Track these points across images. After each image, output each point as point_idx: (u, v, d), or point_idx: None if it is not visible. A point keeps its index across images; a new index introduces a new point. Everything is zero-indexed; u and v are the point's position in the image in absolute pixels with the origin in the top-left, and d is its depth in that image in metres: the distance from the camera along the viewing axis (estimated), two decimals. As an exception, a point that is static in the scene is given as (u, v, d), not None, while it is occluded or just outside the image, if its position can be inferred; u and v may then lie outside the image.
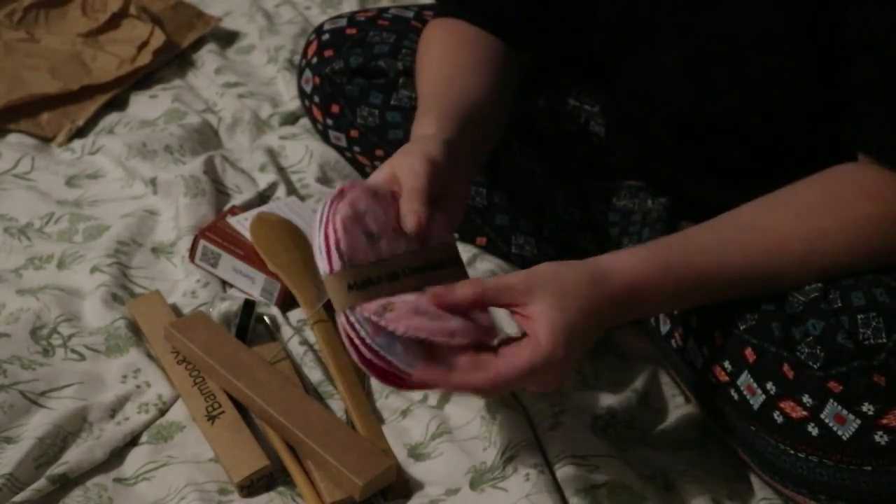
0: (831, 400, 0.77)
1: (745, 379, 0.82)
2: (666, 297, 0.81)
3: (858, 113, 0.81)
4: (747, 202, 0.83)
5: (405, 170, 0.79)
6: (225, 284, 1.11)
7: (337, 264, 0.75)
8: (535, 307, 0.74)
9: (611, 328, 1.06)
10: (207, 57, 1.51)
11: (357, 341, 0.74)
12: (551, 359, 0.73)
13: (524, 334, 0.75)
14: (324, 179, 1.24)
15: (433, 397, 0.98)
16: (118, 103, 1.40)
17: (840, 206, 0.80)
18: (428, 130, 0.86)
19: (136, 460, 0.91)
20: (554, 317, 0.73)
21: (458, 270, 0.82)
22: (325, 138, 1.25)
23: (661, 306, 0.88)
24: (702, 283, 0.80)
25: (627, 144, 1.06)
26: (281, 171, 1.26)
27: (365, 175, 1.25)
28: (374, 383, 1.00)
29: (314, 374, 1.00)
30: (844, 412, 0.77)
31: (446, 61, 0.97)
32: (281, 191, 1.22)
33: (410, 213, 0.77)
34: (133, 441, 0.93)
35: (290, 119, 1.37)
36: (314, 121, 1.24)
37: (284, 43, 1.52)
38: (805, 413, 0.78)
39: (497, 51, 0.99)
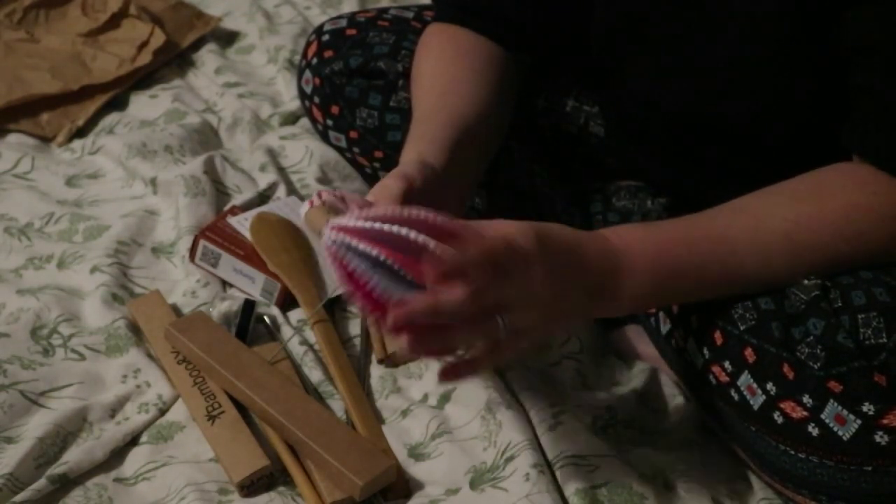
0: (832, 400, 0.77)
1: (745, 379, 0.82)
2: (649, 258, 0.80)
3: (856, 117, 0.81)
4: None
5: (377, 186, 0.79)
6: (225, 284, 1.11)
7: (316, 202, 0.76)
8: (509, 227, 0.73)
9: (611, 325, 1.06)
10: (207, 57, 1.51)
11: (337, 251, 0.73)
12: (525, 240, 0.71)
13: None
14: (324, 179, 1.24)
15: (433, 397, 0.98)
16: (118, 103, 1.40)
17: (826, 194, 0.80)
18: (414, 157, 0.85)
19: (136, 460, 0.91)
20: (524, 224, 0.73)
21: None
22: (325, 139, 1.25)
23: (647, 275, 0.81)
24: (686, 247, 0.80)
25: (626, 145, 1.06)
26: (281, 171, 1.26)
27: (364, 175, 1.25)
28: (375, 383, 1.00)
29: (314, 374, 1.00)
30: (845, 412, 0.77)
31: (442, 74, 0.97)
32: (281, 191, 1.22)
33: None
34: (133, 441, 0.93)
35: (290, 119, 1.37)
36: (314, 121, 1.24)
37: (284, 43, 1.52)
38: (805, 413, 0.78)
39: (496, 57, 0.99)
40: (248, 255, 1.09)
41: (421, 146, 0.87)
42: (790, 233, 0.80)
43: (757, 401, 0.81)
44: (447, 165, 0.86)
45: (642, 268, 0.80)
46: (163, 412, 0.96)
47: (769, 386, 0.80)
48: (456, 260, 0.69)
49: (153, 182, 1.23)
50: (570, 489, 0.86)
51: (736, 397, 0.83)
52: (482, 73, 0.97)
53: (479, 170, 0.96)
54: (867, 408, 0.76)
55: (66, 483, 0.88)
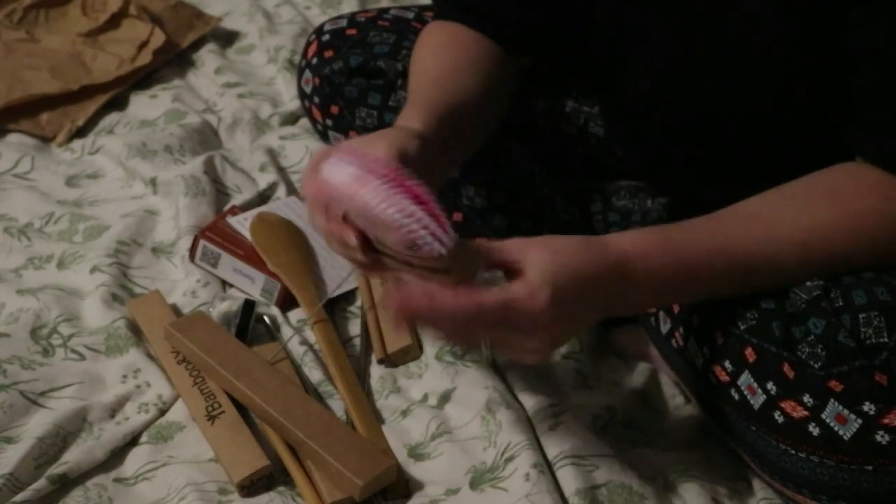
0: (832, 399, 0.77)
1: (745, 379, 0.82)
2: (665, 277, 0.80)
3: (859, 119, 0.81)
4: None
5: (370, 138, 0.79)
6: (225, 284, 1.11)
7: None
8: (526, 261, 0.74)
9: (611, 325, 1.06)
10: (207, 57, 1.51)
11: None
12: (534, 302, 0.72)
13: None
14: (324, 179, 1.24)
15: (433, 397, 0.98)
16: (118, 103, 1.40)
17: (840, 200, 0.80)
18: (407, 123, 0.86)
19: (136, 460, 0.91)
20: (544, 266, 0.73)
21: None
22: (325, 139, 1.24)
23: (661, 289, 0.83)
24: (702, 265, 0.80)
25: (626, 146, 1.06)
26: (281, 171, 1.26)
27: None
28: (375, 383, 1.00)
29: (314, 374, 1.00)
30: (846, 412, 0.77)
31: (438, 59, 0.97)
32: (281, 191, 1.22)
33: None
34: (133, 441, 0.93)
35: (290, 119, 1.37)
36: (314, 121, 1.24)
37: (284, 43, 1.52)
38: (806, 413, 0.78)
39: (492, 53, 0.99)
40: (248, 255, 1.09)
41: (417, 111, 0.87)
42: (805, 242, 0.80)
43: (757, 400, 0.81)
44: (433, 138, 0.85)
45: (656, 284, 0.81)
46: (163, 412, 0.96)
47: (769, 385, 0.80)
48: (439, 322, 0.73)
49: (153, 182, 1.23)
50: (570, 489, 0.86)
51: (736, 397, 0.83)
52: (477, 63, 0.96)
53: (463, 154, 0.95)
54: (868, 407, 0.76)
55: (66, 483, 0.88)
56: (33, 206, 1.20)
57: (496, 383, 0.96)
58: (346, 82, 1.16)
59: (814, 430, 0.78)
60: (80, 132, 1.35)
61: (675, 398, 0.99)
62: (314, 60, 1.19)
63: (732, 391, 0.84)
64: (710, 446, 0.94)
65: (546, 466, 0.89)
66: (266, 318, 1.06)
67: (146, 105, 1.40)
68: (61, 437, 0.91)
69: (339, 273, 1.10)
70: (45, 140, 1.33)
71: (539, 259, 0.73)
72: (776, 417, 0.80)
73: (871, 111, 0.80)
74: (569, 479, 0.87)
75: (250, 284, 1.09)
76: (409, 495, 0.89)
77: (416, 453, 0.92)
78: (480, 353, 0.84)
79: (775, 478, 0.85)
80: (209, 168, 1.23)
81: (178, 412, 0.96)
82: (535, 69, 1.07)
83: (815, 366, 0.77)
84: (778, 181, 0.84)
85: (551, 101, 1.11)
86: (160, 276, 1.12)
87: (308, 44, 1.22)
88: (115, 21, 1.51)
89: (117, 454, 0.92)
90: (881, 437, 0.76)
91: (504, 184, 1.11)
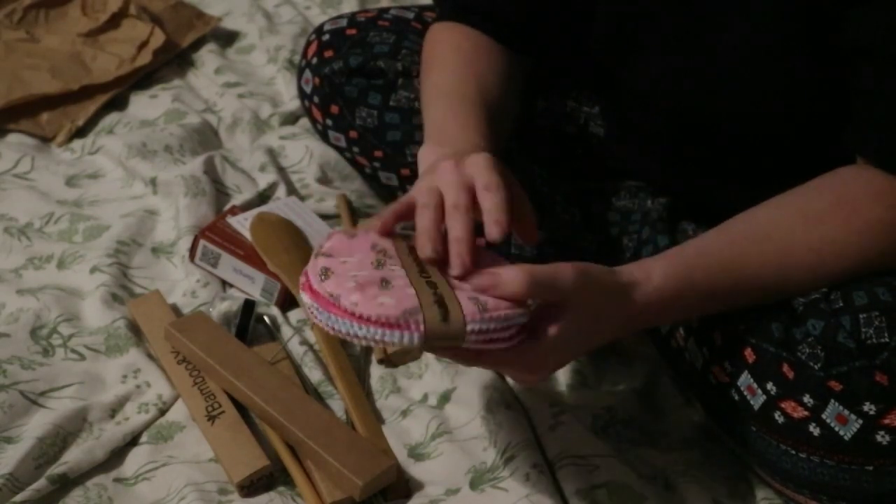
0: (832, 400, 0.77)
1: (744, 379, 0.82)
2: (682, 313, 0.85)
3: (858, 118, 0.81)
4: (754, 204, 0.83)
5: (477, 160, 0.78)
6: (225, 284, 1.11)
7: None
8: (563, 313, 0.74)
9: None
10: (207, 57, 1.51)
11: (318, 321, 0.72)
12: (538, 364, 0.76)
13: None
14: (324, 179, 1.24)
15: (433, 397, 0.98)
16: (118, 103, 1.40)
17: (849, 212, 0.80)
18: (475, 140, 0.86)
19: (136, 460, 0.91)
20: (573, 325, 0.74)
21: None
22: (325, 138, 1.25)
23: (670, 320, 0.91)
24: (718, 298, 0.82)
25: (627, 145, 1.06)
26: (281, 171, 1.26)
27: (364, 175, 1.24)
28: (375, 383, 1.00)
29: (314, 374, 1.00)
30: (846, 412, 0.77)
31: (470, 67, 0.96)
32: (281, 191, 1.22)
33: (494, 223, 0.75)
34: (133, 441, 0.93)
35: (290, 119, 1.37)
36: (314, 121, 1.24)
37: (284, 43, 1.52)
38: (806, 413, 0.78)
39: (507, 58, 0.99)
40: (248, 255, 1.09)
41: (479, 127, 0.88)
42: (816, 265, 0.81)
43: (757, 401, 0.81)
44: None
45: (669, 319, 0.88)
46: (163, 412, 0.96)
47: (769, 386, 0.80)
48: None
49: (153, 182, 1.23)
50: (570, 489, 0.86)
51: (736, 397, 0.83)
52: (502, 72, 0.97)
53: None
54: (868, 407, 0.76)
55: (66, 483, 0.88)
56: (33, 206, 1.20)
57: (496, 383, 0.96)
58: (346, 82, 1.16)
59: (814, 430, 0.78)
60: (80, 132, 1.35)
61: (675, 398, 0.99)
62: (314, 60, 1.19)
63: (732, 391, 0.84)
64: (710, 446, 0.94)
65: (546, 466, 0.89)
66: (266, 318, 1.06)
67: (146, 105, 1.40)
68: (61, 437, 0.91)
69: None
70: (45, 140, 1.33)
71: (571, 324, 0.74)
72: (776, 418, 0.80)
73: (871, 111, 0.80)
74: (569, 479, 0.87)
75: (250, 284, 1.09)
76: (409, 495, 0.89)
77: (416, 453, 0.93)
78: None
79: (776, 478, 0.85)
80: (209, 168, 1.23)
81: (178, 412, 0.96)
82: (535, 69, 1.07)
83: (815, 366, 0.77)
84: (778, 182, 0.84)
85: (551, 101, 1.11)
86: (160, 276, 1.12)
87: (308, 44, 1.22)
88: (115, 21, 1.51)
89: (117, 454, 0.92)
90: (882, 438, 0.76)
91: (504, 184, 1.11)
